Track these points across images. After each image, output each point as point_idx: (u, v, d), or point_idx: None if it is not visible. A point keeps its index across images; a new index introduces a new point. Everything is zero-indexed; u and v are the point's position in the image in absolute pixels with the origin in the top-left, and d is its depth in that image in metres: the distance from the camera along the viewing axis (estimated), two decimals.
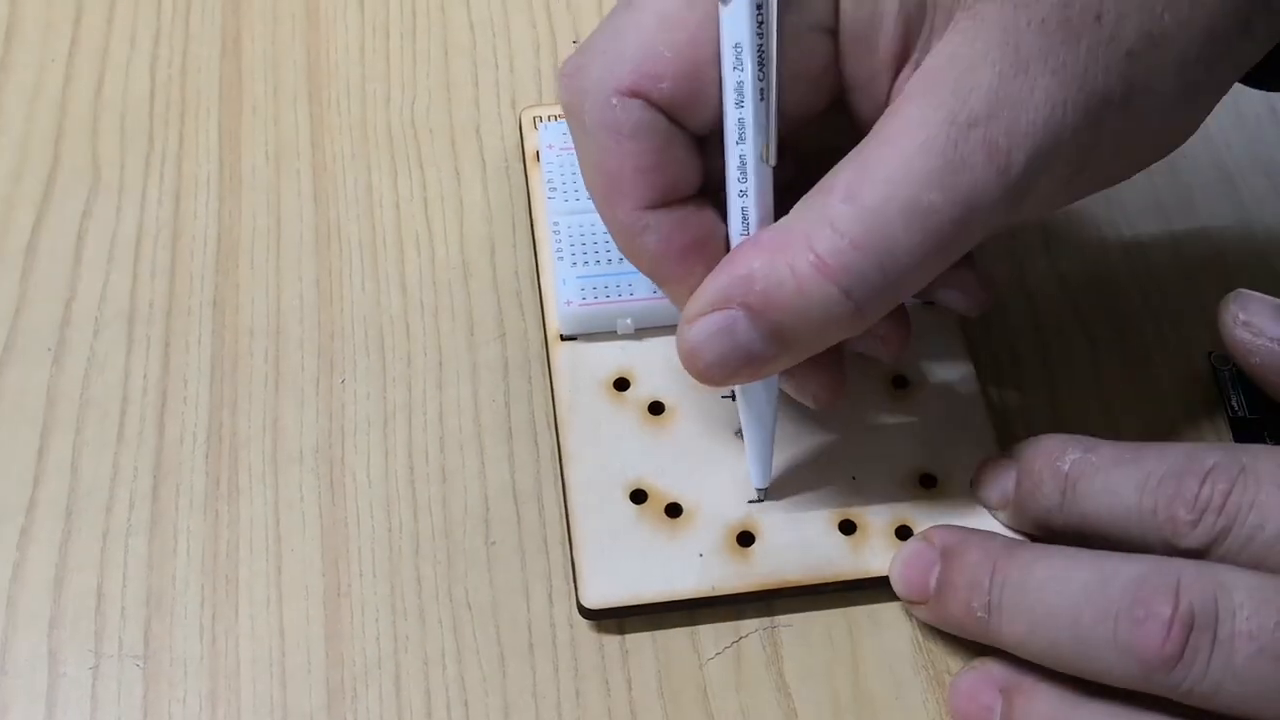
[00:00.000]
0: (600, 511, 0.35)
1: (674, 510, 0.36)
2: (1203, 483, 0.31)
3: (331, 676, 0.34)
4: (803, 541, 0.35)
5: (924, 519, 0.35)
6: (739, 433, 0.36)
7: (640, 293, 0.38)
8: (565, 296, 0.38)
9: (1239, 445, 0.32)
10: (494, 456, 0.37)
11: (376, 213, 0.42)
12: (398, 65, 0.45)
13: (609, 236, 0.39)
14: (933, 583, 0.33)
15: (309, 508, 0.36)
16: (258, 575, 0.35)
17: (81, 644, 0.34)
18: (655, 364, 0.38)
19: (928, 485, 0.36)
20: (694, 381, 0.34)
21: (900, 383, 0.38)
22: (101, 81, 0.45)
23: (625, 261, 0.38)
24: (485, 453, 0.37)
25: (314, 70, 0.45)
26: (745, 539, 0.35)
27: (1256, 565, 0.30)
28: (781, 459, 0.36)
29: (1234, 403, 0.38)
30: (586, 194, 0.40)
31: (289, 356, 0.39)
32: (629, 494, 0.36)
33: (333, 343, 0.39)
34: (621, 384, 0.38)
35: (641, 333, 0.39)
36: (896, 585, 0.34)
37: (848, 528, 0.35)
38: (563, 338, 0.38)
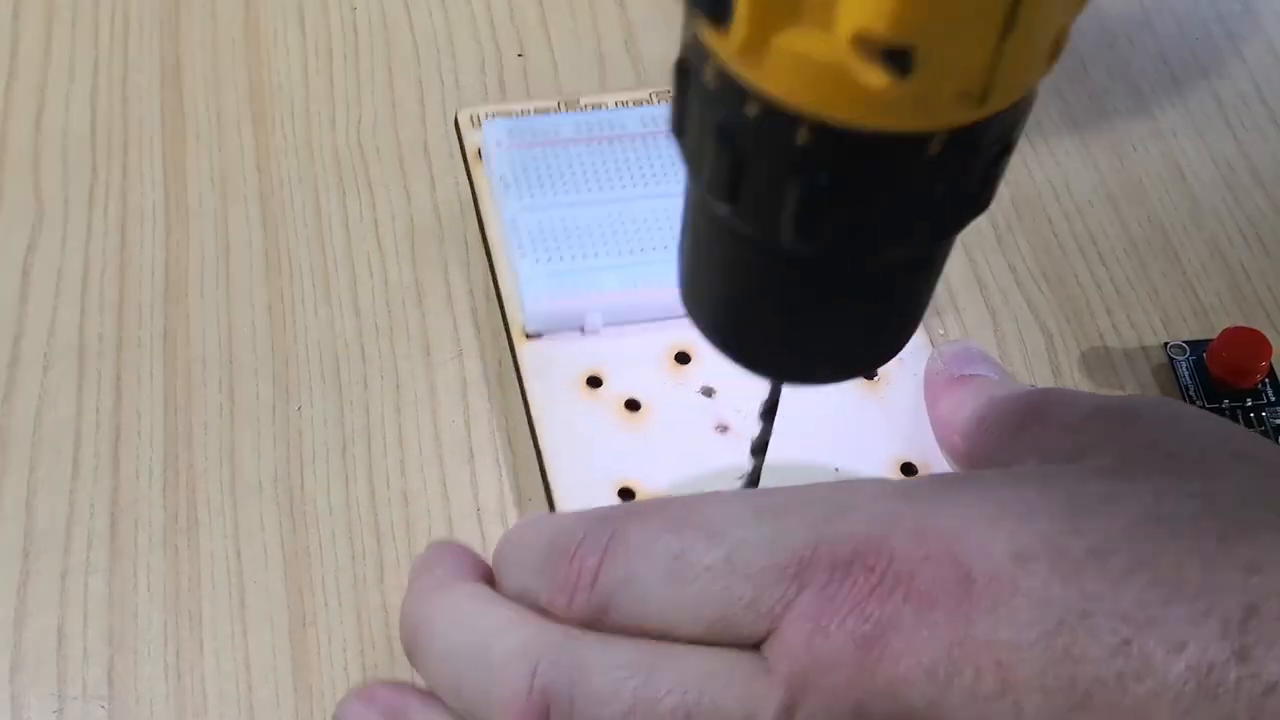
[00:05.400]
0: None
1: None
2: (571, 561, 0.28)
3: (300, 708, 0.33)
4: None
5: None
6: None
7: (609, 288, 0.37)
8: (534, 293, 0.37)
9: (610, 508, 0.29)
10: (456, 478, 0.37)
11: (326, 236, 0.41)
12: (341, 85, 0.45)
13: (570, 232, 0.38)
14: None
15: (270, 538, 0.36)
16: (221, 609, 0.35)
17: (44, 687, 0.34)
18: (625, 360, 0.37)
19: (909, 474, 0.36)
20: (667, 377, 0.33)
21: (869, 374, 0.38)
22: (41, 114, 0.44)
23: (591, 256, 0.37)
24: (447, 475, 0.37)
25: (256, 94, 0.45)
26: None
27: (645, 634, 0.28)
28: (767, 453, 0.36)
29: (1191, 393, 0.38)
30: (542, 189, 0.39)
31: (243, 385, 0.38)
32: (617, 495, 0.35)
33: (287, 369, 0.39)
34: (594, 381, 0.37)
35: (607, 329, 0.38)
36: None
37: None
38: (528, 336, 0.37)
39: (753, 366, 0.28)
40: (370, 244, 0.41)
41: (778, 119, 0.22)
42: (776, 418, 0.36)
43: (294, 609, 0.35)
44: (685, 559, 0.27)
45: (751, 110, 0.22)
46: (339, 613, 0.35)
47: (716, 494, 0.30)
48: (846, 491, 0.28)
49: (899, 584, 0.26)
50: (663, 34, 0.47)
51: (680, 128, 0.24)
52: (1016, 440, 0.32)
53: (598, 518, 0.29)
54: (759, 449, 0.33)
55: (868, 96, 0.21)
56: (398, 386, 0.38)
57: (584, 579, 0.28)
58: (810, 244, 0.24)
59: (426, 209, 0.42)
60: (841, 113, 0.21)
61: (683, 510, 0.28)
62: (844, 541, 0.27)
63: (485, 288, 0.40)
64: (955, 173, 0.23)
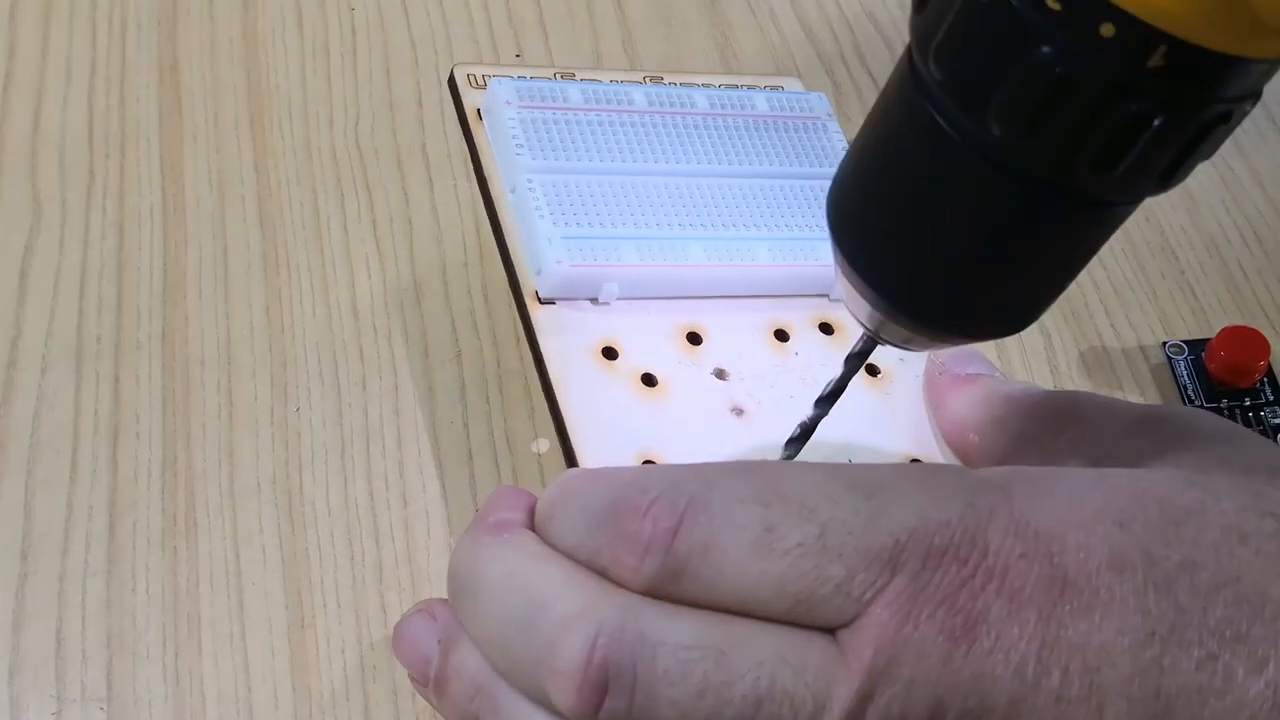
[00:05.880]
0: None
1: None
2: (643, 518, 0.26)
3: (299, 710, 0.33)
4: None
5: None
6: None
7: (629, 259, 0.36)
8: (554, 255, 0.36)
9: (680, 467, 0.27)
10: (455, 480, 0.37)
11: (324, 236, 0.41)
12: (339, 86, 0.45)
13: (588, 199, 0.37)
14: (432, 672, 0.29)
15: (269, 540, 0.36)
16: (219, 611, 0.35)
17: (43, 690, 0.33)
18: (638, 335, 0.36)
19: None
20: (681, 356, 0.32)
21: (872, 371, 0.38)
22: (38, 114, 0.44)
23: (611, 226, 0.36)
24: (446, 476, 0.37)
25: (254, 94, 0.45)
26: None
27: (716, 607, 0.26)
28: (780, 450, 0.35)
29: (1190, 393, 0.38)
30: (555, 153, 0.37)
31: (242, 386, 0.38)
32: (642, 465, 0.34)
33: (285, 371, 0.39)
34: (609, 353, 0.36)
35: (618, 303, 0.37)
36: (399, 658, 0.31)
37: None
38: (541, 301, 0.36)
39: (934, 320, 0.28)
40: (369, 245, 0.41)
41: (1135, 40, 0.21)
42: (780, 417, 0.36)
43: (293, 611, 0.35)
44: (775, 532, 0.26)
45: (1106, 30, 0.21)
46: (338, 614, 0.35)
47: (803, 464, 0.29)
48: (941, 476, 0.27)
49: (991, 578, 0.26)
50: (661, 35, 0.47)
51: (955, 52, 0.23)
52: (1052, 441, 0.32)
53: (670, 476, 0.27)
54: (805, 434, 0.33)
55: (1253, 18, 0.20)
56: (396, 387, 0.38)
57: (658, 540, 0.26)
58: (1101, 176, 0.23)
59: (425, 210, 0.42)
60: (1215, 35, 0.21)
61: (771, 479, 0.27)
62: (940, 530, 0.26)
63: (485, 288, 0.40)
64: (1244, 110, 0.23)
